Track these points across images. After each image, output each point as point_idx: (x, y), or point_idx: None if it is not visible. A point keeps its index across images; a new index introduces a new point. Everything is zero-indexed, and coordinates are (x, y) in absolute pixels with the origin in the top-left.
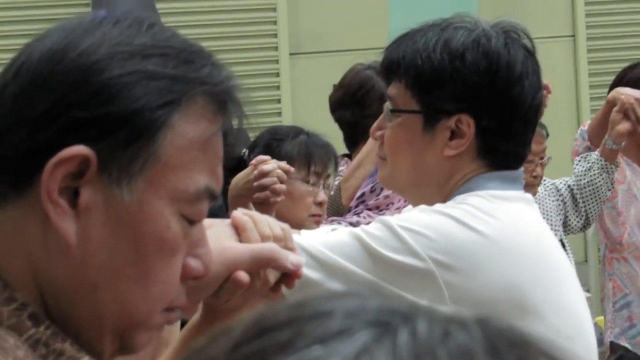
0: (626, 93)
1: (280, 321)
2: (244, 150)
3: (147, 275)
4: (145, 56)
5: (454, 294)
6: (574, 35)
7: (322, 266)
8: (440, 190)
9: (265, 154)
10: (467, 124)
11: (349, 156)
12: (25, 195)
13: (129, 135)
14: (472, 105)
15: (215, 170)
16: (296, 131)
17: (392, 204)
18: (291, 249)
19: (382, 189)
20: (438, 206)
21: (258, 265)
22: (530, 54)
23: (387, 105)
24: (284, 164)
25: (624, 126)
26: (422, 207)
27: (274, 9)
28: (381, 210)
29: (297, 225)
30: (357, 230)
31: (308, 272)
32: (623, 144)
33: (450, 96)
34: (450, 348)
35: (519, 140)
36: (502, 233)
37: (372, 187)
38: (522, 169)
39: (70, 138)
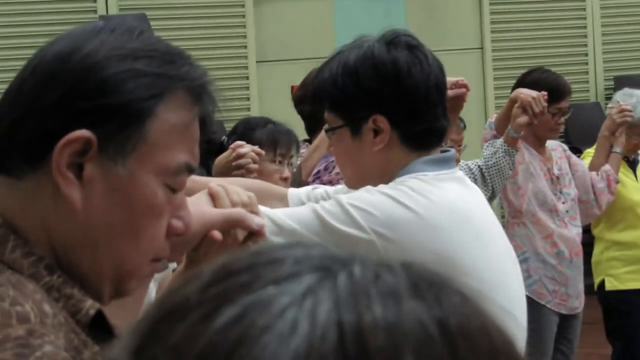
0: (525, 93)
1: (241, 266)
2: (223, 137)
3: (138, 233)
4: (136, 58)
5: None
6: (481, 48)
7: (283, 233)
8: (381, 179)
9: (241, 140)
10: (382, 121)
11: (309, 141)
12: (38, 169)
13: (123, 121)
14: (379, 106)
15: (192, 150)
16: (265, 121)
17: (342, 179)
18: (256, 213)
19: (334, 167)
20: (381, 187)
21: (229, 225)
22: (414, 47)
23: (325, 127)
24: (256, 147)
25: (523, 119)
26: (368, 187)
27: (244, 26)
28: (333, 185)
29: None
30: (316, 205)
31: (274, 238)
32: (522, 133)
33: (360, 105)
34: (380, 288)
35: (429, 117)
36: (431, 210)
37: (325, 166)
38: (453, 151)
39: (76, 123)
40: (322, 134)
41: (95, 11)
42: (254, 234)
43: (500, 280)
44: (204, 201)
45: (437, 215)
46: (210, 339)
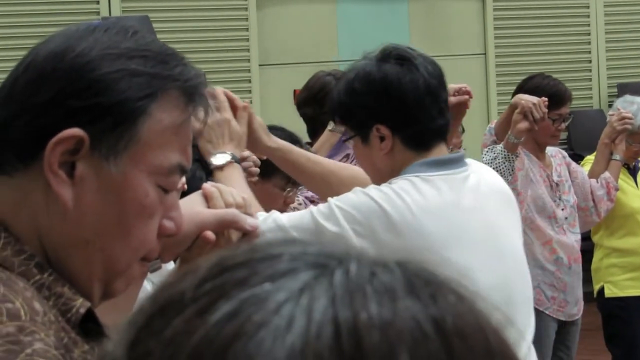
0: (525, 98)
1: (238, 262)
2: None
3: (128, 233)
4: (129, 57)
5: None
6: (485, 53)
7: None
8: (393, 178)
9: None
10: (383, 129)
11: (311, 144)
12: (30, 167)
13: (115, 120)
14: (378, 117)
15: (185, 150)
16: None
17: None
18: (250, 215)
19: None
20: (368, 188)
21: (222, 226)
22: (403, 59)
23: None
24: (254, 157)
25: (523, 125)
26: (355, 188)
27: (247, 29)
28: None
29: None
30: (313, 208)
31: None
32: (522, 138)
33: (363, 118)
34: (376, 286)
35: (424, 119)
36: (402, 213)
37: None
38: (462, 152)
39: (68, 122)
40: (322, 138)
41: (98, 13)
42: (248, 235)
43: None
44: (198, 202)
45: (406, 217)
46: (206, 334)
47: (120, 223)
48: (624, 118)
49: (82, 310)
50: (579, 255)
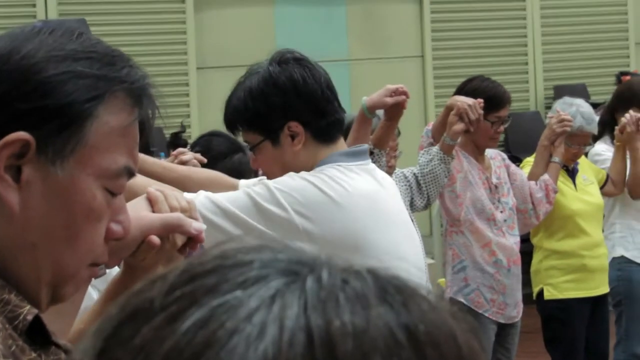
0: (461, 100)
1: (207, 269)
2: (187, 147)
3: (77, 237)
4: (75, 59)
5: (309, 236)
6: (422, 56)
7: (225, 214)
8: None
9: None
10: (295, 126)
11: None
12: None
13: (62, 123)
14: (289, 114)
15: (132, 153)
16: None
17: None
18: (195, 218)
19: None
20: (302, 174)
21: (167, 230)
22: (300, 60)
23: (247, 147)
24: (198, 155)
25: (459, 126)
26: (291, 173)
27: (184, 32)
28: None
29: None
30: (248, 189)
31: (216, 218)
32: (458, 140)
33: (274, 119)
34: (348, 293)
35: (331, 110)
36: (343, 196)
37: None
38: (366, 145)
39: (14, 125)
40: None
41: (34, 16)
42: (192, 239)
43: (397, 264)
44: (142, 206)
45: (347, 200)
46: (177, 342)
47: (68, 227)
48: (563, 120)
49: (30, 318)
50: (518, 257)
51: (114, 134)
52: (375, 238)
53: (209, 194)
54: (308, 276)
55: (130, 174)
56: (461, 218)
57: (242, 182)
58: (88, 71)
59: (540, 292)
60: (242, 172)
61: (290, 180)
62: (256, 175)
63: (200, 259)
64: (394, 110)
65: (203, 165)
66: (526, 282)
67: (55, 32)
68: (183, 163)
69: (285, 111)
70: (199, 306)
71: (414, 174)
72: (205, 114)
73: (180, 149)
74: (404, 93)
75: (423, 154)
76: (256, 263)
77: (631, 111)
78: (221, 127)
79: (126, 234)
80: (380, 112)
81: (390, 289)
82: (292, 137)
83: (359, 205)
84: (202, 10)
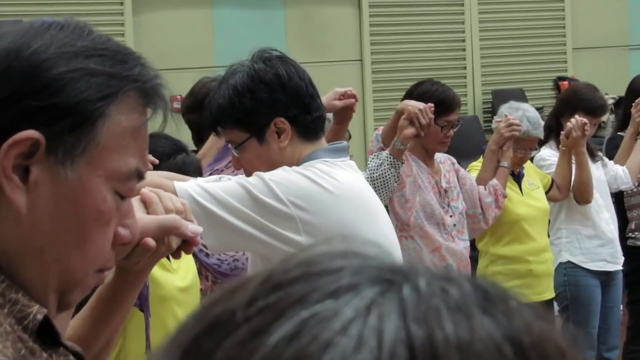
0: (412, 104)
1: (293, 277)
2: None
3: (85, 241)
4: (87, 56)
5: (305, 227)
6: (361, 60)
7: (220, 204)
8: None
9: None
10: (282, 121)
11: (196, 151)
12: None
13: (73, 122)
14: (275, 110)
15: (143, 155)
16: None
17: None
18: (190, 220)
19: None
20: (295, 168)
21: (163, 233)
22: (282, 57)
23: (230, 146)
24: (150, 156)
25: (410, 131)
26: (285, 167)
27: (122, 35)
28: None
29: None
30: (241, 180)
31: (210, 206)
32: (408, 145)
33: (260, 115)
34: (449, 302)
35: (316, 106)
36: (338, 188)
37: (210, 174)
38: (345, 142)
39: (23, 123)
40: (209, 143)
41: None
42: (188, 241)
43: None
44: (137, 207)
45: (341, 192)
46: (265, 357)
47: (77, 230)
48: (511, 124)
49: (40, 317)
50: (468, 262)
51: (126, 134)
52: (368, 228)
53: (201, 182)
54: (404, 284)
55: (140, 176)
56: (410, 223)
57: (200, 180)
58: (100, 69)
59: None
60: (186, 172)
61: (284, 173)
62: (200, 176)
63: (282, 266)
64: (344, 113)
65: (154, 167)
66: None
67: (65, 28)
68: None
69: (272, 107)
70: (287, 318)
71: (364, 178)
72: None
73: None
74: (353, 96)
75: (373, 158)
76: (346, 270)
77: (577, 116)
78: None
79: (133, 238)
80: (329, 115)
81: (491, 297)
82: (278, 134)
83: (352, 197)
84: (140, 12)
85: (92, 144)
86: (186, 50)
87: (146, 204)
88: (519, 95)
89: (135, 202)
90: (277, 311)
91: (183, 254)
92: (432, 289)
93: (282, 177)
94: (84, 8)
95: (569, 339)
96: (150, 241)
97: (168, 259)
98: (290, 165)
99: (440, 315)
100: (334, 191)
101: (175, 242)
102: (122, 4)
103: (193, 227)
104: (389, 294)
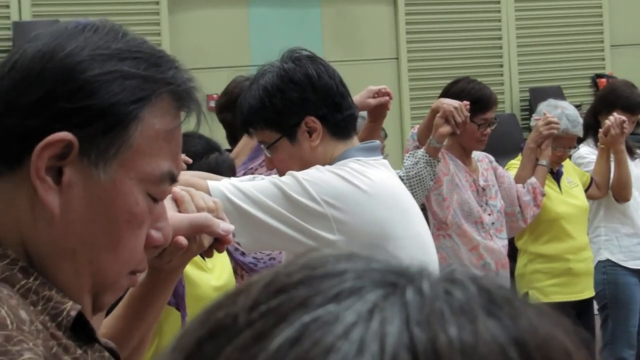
0: (447, 102)
1: (295, 280)
2: None
3: (118, 243)
4: (121, 59)
5: (338, 226)
6: (397, 58)
7: (254, 203)
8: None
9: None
10: (313, 120)
11: (230, 150)
12: (16, 171)
13: (106, 125)
14: (306, 109)
15: (176, 158)
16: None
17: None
18: (222, 219)
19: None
20: (327, 167)
21: (195, 231)
22: (312, 57)
23: (263, 147)
24: (183, 155)
25: (445, 129)
26: (318, 166)
27: (159, 34)
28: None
29: None
30: (275, 179)
31: (244, 205)
32: (444, 143)
33: (291, 115)
34: (453, 305)
35: (345, 106)
36: (371, 186)
37: (244, 173)
38: (378, 142)
39: (57, 125)
40: (242, 142)
41: (8, 17)
42: (219, 240)
43: (421, 250)
44: (168, 206)
45: (374, 191)
46: None
47: (109, 233)
48: (550, 122)
49: (73, 313)
50: (506, 260)
51: (159, 137)
52: (401, 227)
53: (234, 181)
54: (407, 287)
55: (173, 179)
56: (448, 221)
57: (233, 179)
58: (134, 71)
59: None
60: (219, 171)
61: (317, 172)
62: (234, 175)
63: (286, 269)
64: (378, 112)
65: (187, 166)
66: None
67: (100, 31)
68: None
69: (302, 106)
70: (289, 322)
71: (399, 176)
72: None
73: None
74: (387, 94)
75: (409, 156)
76: (349, 273)
77: (615, 113)
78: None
79: (166, 241)
80: (363, 113)
81: (496, 299)
82: (310, 133)
83: (385, 195)
84: (176, 11)
85: (125, 146)
86: (222, 49)
87: (178, 203)
88: (557, 93)
89: (167, 201)
90: (279, 315)
91: (217, 253)
92: (435, 292)
93: (316, 177)
94: (120, 8)
95: (576, 339)
96: (182, 240)
97: (203, 257)
98: (322, 164)
99: (443, 318)
100: (368, 190)
101: (207, 241)
102: (157, 3)
103: (224, 225)
104: (392, 297)
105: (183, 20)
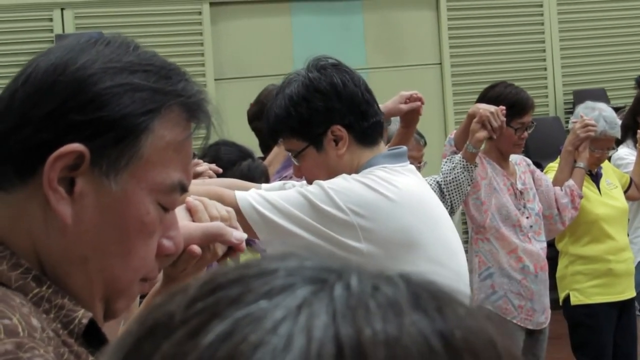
0: (483, 107)
1: (230, 279)
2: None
3: (129, 252)
4: (132, 72)
5: (364, 234)
6: (440, 63)
7: (280, 212)
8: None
9: (213, 160)
10: (339, 129)
11: (263, 159)
12: (29, 182)
13: (117, 136)
14: (332, 118)
15: (186, 168)
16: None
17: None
18: (235, 227)
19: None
20: (354, 175)
21: (208, 240)
22: (336, 65)
23: (290, 155)
24: (213, 165)
25: (482, 134)
26: (344, 175)
27: (201, 44)
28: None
29: None
30: (301, 188)
31: (270, 215)
32: (481, 148)
33: (317, 124)
34: (380, 300)
35: (370, 113)
36: (397, 194)
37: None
38: (405, 148)
39: (69, 136)
40: (275, 151)
41: (51, 30)
42: (233, 248)
43: (448, 256)
44: (182, 215)
45: (400, 198)
46: (199, 357)
47: (121, 241)
48: (587, 125)
49: (85, 321)
50: (545, 263)
51: (169, 148)
52: (428, 234)
53: (261, 191)
54: (336, 283)
55: (183, 189)
56: (486, 225)
57: (265, 186)
58: (144, 84)
59: (567, 298)
60: (252, 178)
61: (343, 181)
62: (267, 181)
63: (223, 269)
64: (410, 117)
65: (218, 175)
66: (552, 287)
67: (111, 44)
68: (197, 174)
69: (328, 115)
70: (222, 319)
71: (437, 182)
72: (224, 125)
73: (195, 160)
74: (419, 99)
75: (446, 162)
76: (281, 271)
77: None
78: (239, 137)
79: (177, 250)
80: (396, 119)
81: (424, 295)
82: (336, 142)
83: (412, 202)
84: (219, 21)
85: (136, 157)
86: (265, 58)
87: (191, 212)
88: (601, 95)
89: (180, 210)
90: (212, 312)
91: None
92: (363, 287)
93: (341, 186)
94: (163, 19)
95: (504, 333)
96: (196, 248)
97: None
98: (349, 171)
99: (369, 312)
100: (394, 198)
101: (220, 249)
102: (200, 13)
103: (237, 234)
104: (321, 293)
105: (225, 30)
